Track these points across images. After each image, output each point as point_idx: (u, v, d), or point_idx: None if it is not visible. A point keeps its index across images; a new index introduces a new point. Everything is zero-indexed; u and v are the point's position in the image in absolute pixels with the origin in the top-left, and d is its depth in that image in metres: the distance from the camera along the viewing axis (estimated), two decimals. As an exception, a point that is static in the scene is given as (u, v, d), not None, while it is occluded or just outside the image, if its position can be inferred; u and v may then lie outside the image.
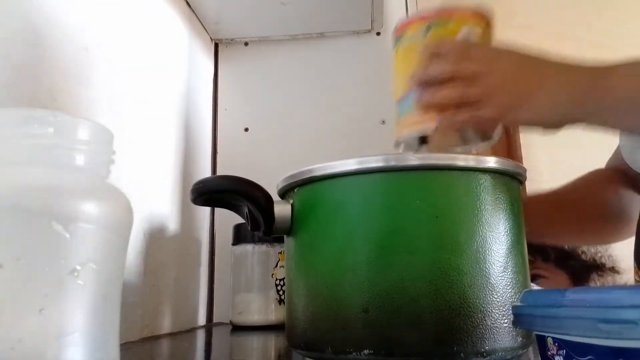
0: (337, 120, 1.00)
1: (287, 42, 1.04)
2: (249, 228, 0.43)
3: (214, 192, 0.42)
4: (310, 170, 0.40)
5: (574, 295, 0.21)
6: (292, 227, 0.42)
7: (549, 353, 0.22)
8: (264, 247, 0.79)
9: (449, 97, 0.43)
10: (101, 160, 0.29)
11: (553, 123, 0.44)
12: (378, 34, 1.03)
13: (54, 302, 0.24)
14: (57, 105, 0.52)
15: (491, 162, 0.38)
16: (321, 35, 1.04)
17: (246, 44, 1.05)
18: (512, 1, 2.72)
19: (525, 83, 0.43)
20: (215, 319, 0.93)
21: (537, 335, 0.24)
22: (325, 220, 0.39)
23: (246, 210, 0.43)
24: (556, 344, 0.21)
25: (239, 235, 0.82)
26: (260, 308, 0.78)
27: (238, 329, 0.78)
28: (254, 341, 0.64)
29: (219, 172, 1.00)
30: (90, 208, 0.26)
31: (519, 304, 0.26)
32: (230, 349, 0.61)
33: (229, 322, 0.82)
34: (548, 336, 0.22)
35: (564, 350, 0.21)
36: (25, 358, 0.23)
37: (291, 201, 0.42)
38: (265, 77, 1.04)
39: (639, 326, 0.16)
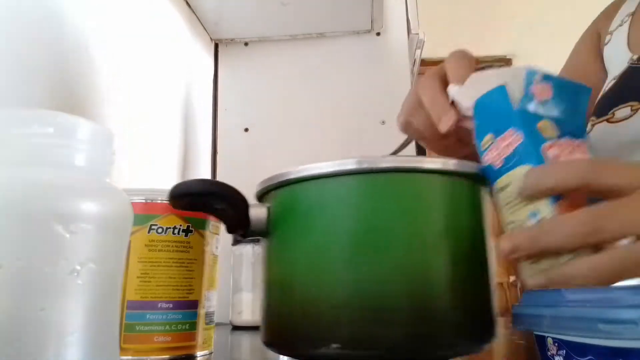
0: (337, 120, 1.00)
1: (287, 42, 1.04)
2: (227, 230, 0.44)
3: (194, 195, 0.43)
4: (285, 174, 0.40)
5: (574, 295, 0.21)
6: (268, 229, 0.43)
7: (549, 353, 0.22)
8: (264, 247, 0.79)
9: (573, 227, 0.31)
10: (101, 160, 0.29)
11: None
12: (378, 34, 1.03)
13: (54, 302, 0.24)
14: (57, 105, 0.52)
15: (457, 165, 0.39)
16: (321, 35, 1.04)
17: (246, 44, 1.05)
18: (512, 1, 2.72)
19: None
20: (215, 319, 0.93)
21: (537, 335, 0.24)
22: (299, 222, 0.40)
23: (226, 212, 0.42)
24: (556, 344, 0.21)
25: (239, 236, 0.82)
26: (259, 308, 0.78)
27: (238, 329, 0.78)
28: (254, 341, 0.64)
29: (219, 172, 1.00)
30: (90, 208, 0.26)
31: (519, 304, 0.26)
32: (230, 349, 0.61)
33: (228, 322, 0.82)
34: (548, 336, 0.22)
35: (564, 350, 0.21)
36: (25, 358, 0.23)
37: (268, 204, 0.43)
38: (265, 77, 1.04)
39: (639, 326, 0.16)
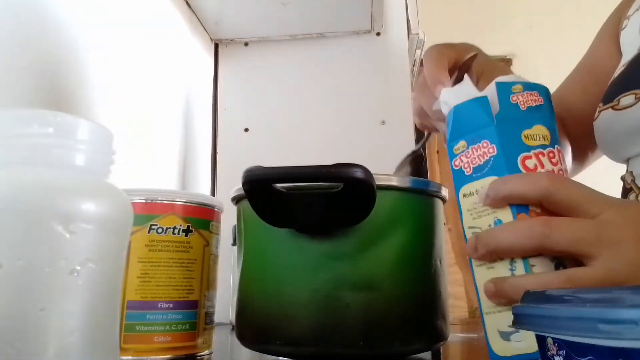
0: (337, 120, 1.00)
1: (287, 42, 1.04)
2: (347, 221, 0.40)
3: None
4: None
5: (574, 295, 0.21)
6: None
7: (549, 353, 0.22)
8: (264, 247, 0.79)
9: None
10: (101, 160, 0.29)
11: None
12: (378, 34, 1.03)
13: (54, 302, 0.24)
14: (57, 105, 0.52)
15: (406, 182, 0.43)
16: (321, 35, 1.04)
17: (246, 44, 1.05)
18: (512, 1, 2.72)
19: None
20: (215, 319, 0.93)
21: (537, 335, 0.24)
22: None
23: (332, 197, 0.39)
24: (556, 344, 0.21)
25: (239, 235, 0.82)
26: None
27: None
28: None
29: (219, 172, 1.00)
30: (90, 208, 0.26)
31: (519, 304, 0.26)
32: (230, 349, 0.61)
33: (228, 322, 0.82)
34: (548, 336, 0.22)
35: (564, 351, 0.21)
36: (25, 358, 0.23)
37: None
38: (265, 77, 1.04)
39: (639, 326, 0.16)
